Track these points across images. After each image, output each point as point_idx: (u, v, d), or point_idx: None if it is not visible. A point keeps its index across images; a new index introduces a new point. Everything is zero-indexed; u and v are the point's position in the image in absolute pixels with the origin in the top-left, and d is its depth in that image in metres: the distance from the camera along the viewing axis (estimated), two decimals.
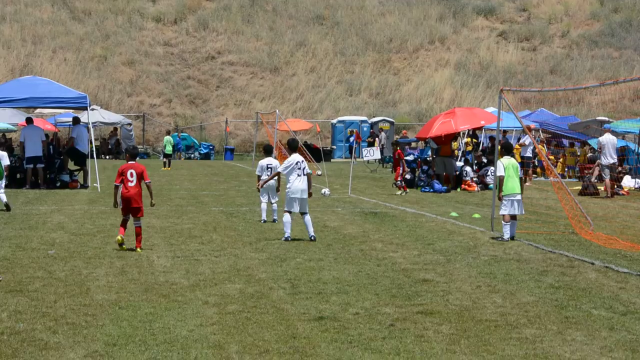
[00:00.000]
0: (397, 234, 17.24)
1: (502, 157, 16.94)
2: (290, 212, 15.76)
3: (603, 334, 9.00)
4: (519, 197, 16.41)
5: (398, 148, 29.85)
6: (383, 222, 19.38)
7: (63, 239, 15.76)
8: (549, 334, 8.96)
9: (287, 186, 15.90)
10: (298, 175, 15.77)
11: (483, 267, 13.18)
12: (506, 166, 16.58)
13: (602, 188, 29.94)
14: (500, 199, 16.61)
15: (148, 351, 8.06)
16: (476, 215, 20.46)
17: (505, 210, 16.30)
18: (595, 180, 30.19)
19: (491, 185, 27.26)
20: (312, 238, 15.80)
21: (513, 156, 17.25)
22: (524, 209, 16.70)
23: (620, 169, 31.66)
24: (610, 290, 11.44)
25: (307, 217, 15.92)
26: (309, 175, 15.93)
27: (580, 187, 29.06)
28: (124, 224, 14.58)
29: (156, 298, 10.54)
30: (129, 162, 14.70)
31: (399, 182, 28.17)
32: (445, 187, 29.39)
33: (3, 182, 20.74)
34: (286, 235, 15.75)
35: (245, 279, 11.96)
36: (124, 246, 14.32)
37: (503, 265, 13.37)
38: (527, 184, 33.25)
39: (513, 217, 16.41)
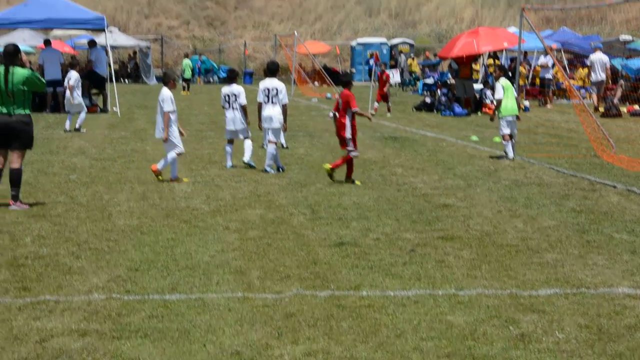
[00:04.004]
0: (417, 159, 17.17)
1: (498, 78, 17.37)
2: (272, 144, 15.04)
3: (625, 257, 8.98)
4: (515, 117, 17.18)
5: (385, 70, 29.62)
6: (403, 147, 19.31)
7: (84, 164, 15.82)
8: (570, 258, 8.95)
9: None
10: (265, 103, 15.11)
11: (504, 192, 13.14)
12: (506, 88, 17.08)
13: (625, 109, 29.63)
14: (492, 120, 17.85)
15: (170, 276, 8.12)
16: (497, 139, 20.29)
17: (505, 130, 17.00)
18: (618, 102, 29.80)
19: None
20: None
21: (509, 78, 17.71)
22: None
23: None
24: (633, 213, 11.38)
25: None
26: (284, 107, 15.03)
27: (602, 109, 28.75)
28: None
29: (177, 224, 10.60)
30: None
31: (389, 104, 28.40)
32: (466, 111, 29.15)
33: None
34: (273, 167, 15.15)
35: (266, 204, 11.98)
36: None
37: (524, 190, 13.32)
38: (547, 106, 32.96)
39: (512, 137, 17.15)
